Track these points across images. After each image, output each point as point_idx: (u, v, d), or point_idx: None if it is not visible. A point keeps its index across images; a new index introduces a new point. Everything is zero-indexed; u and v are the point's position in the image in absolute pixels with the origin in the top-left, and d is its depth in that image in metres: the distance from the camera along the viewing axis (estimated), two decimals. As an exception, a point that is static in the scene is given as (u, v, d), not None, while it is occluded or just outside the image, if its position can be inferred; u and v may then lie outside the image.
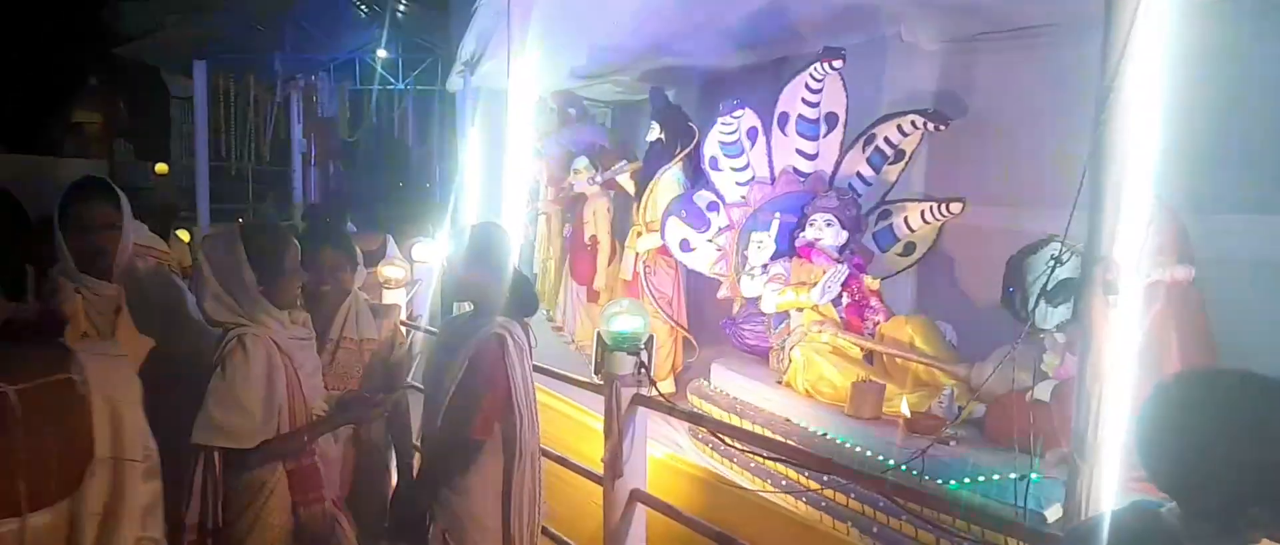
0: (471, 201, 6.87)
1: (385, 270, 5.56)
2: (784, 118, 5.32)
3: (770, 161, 5.44)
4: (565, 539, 3.91)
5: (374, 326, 3.60)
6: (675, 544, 3.46)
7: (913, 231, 5.33)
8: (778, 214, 5.33)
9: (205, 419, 2.76)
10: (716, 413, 4.90)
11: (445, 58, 11.04)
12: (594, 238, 7.11)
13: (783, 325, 5.09)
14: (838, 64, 5.00)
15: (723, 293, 5.66)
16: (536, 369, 3.38)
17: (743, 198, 5.48)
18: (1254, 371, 1.58)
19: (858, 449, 3.92)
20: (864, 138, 5.30)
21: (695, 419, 4.28)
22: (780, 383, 4.81)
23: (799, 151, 5.38)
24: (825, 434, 4.21)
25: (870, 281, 5.00)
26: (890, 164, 5.32)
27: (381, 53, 14.59)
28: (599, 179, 7.04)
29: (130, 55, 15.59)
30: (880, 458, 3.77)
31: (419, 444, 3.44)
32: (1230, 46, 3.72)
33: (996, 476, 3.36)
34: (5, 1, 16.39)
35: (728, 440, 3.96)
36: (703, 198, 5.49)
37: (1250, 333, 3.43)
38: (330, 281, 3.54)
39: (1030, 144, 5.01)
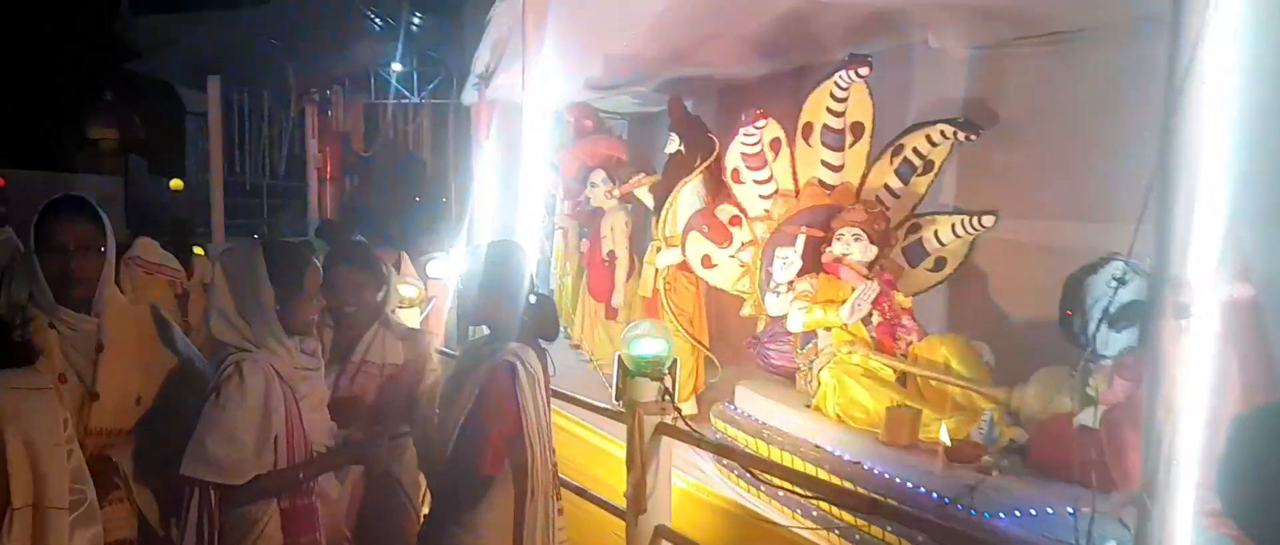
0: (487, 216, 6.75)
1: (398, 288, 5.39)
2: (808, 128, 5.13)
3: (794, 173, 5.24)
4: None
5: (399, 350, 3.42)
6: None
7: (943, 246, 5.12)
8: (803, 228, 5.14)
9: (196, 449, 2.60)
10: (743, 438, 4.70)
11: (459, 71, 10.94)
12: (612, 253, 6.95)
13: (810, 345, 4.89)
14: (864, 72, 4.80)
15: (746, 310, 5.47)
16: (553, 393, 3.21)
17: (766, 211, 5.29)
18: None
19: (898, 481, 3.70)
20: (891, 148, 5.08)
21: (726, 452, 4.06)
22: (810, 406, 4.60)
23: (824, 163, 5.18)
24: (858, 462, 4.00)
25: (902, 299, 4.79)
26: (919, 175, 5.10)
27: (396, 66, 14.52)
28: (616, 192, 6.87)
29: (144, 70, 15.57)
30: (921, 490, 3.55)
31: (425, 477, 3.24)
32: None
33: (1051, 511, 3.13)
34: (19, 15, 16.40)
35: (763, 476, 3.73)
36: (725, 211, 5.30)
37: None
38: (354, 302, 3.38)
39: (1066, 154, 4.82)
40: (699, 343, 5.99)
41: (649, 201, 6.44)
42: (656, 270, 5.99)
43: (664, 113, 6.82)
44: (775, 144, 5.13)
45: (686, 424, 3.32)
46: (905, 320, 4.71)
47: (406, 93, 15.23)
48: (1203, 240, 1.98)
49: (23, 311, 2.68)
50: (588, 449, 4.57)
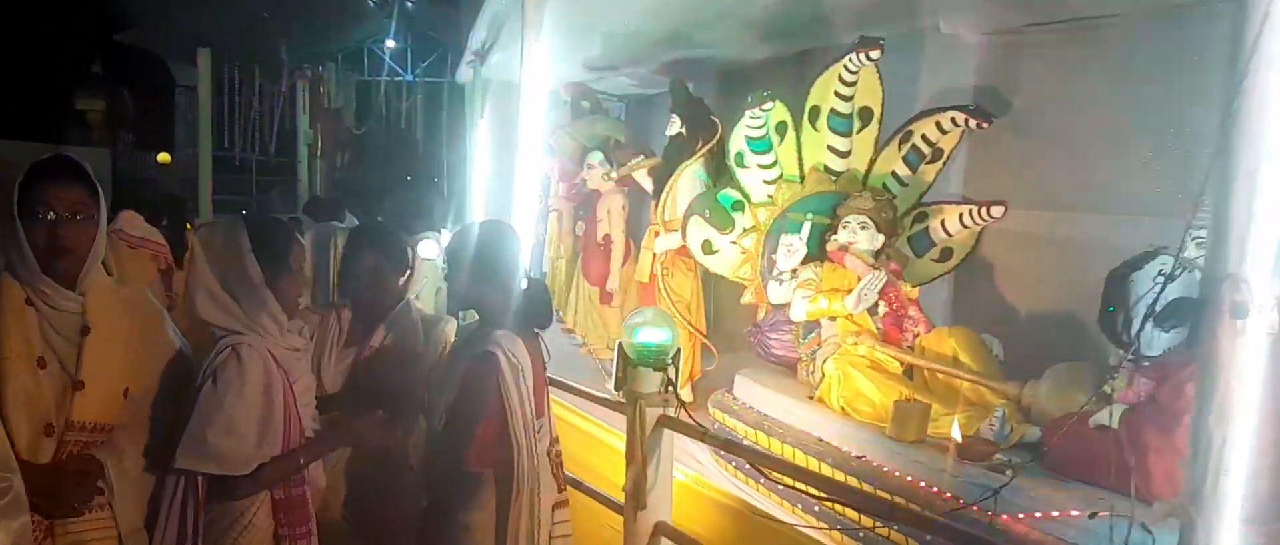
0: (480, 196, 6.60)
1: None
2: (815, 112, 4.97)
3: (800, 158, 5.09)
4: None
5: (417, 338, 3.28)
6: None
7: (950, 236, 4.99)
8: (809, 215, 4.99)
9: (194, 441, 2.42)
10: (742, 429, 4.55)
11: (454, 48, 10.75)
12: (608, 236, 6.78)
13: (812, 335, 4.74)
14: (875, 55, 4.64)
15: (747, 298, 5.32)
16: (548, 381, 3.06)
17: (769, 197, 5.14)
18: None
19: (909, 479, 3.56)
20: (900, 135, 4.94)
21: (733, 449, 3.90)
22: (812, 398, 4.46)
23: (831, 148, 5.03)
24: (862, 456, 3.86)
25: (908, 289, 4.64)
26: (928, 163, 4.97)
27: (390, 43, 14.30)
28: (614, 175, 6.71)
29: (133, 42, 15.30)
30: (934, 489, 3.40)
31: (414, 472, 3.09)
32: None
33: (1075, 513, 2.98)
34: (6, -15, 16.13)
35: (767, 471, 3.58)
36: (727, 196, 5.14)
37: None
38: (373, 287, 3.27)
39: (1082, 144, 4.68)
40: (697, 330, 5.85)
41: (647, 185, 6.29)
42: (654, 255, 5.84)
43: (663, 95, 6.68)
44: (781, 127, 4.98)
45: (691, 417, 3.16)
46: (912, 311, 4.57)
47: (400, 70, 15.02)
48: (1263, 235, 1.84)
49: None
50: (582, 437, 4.42)
